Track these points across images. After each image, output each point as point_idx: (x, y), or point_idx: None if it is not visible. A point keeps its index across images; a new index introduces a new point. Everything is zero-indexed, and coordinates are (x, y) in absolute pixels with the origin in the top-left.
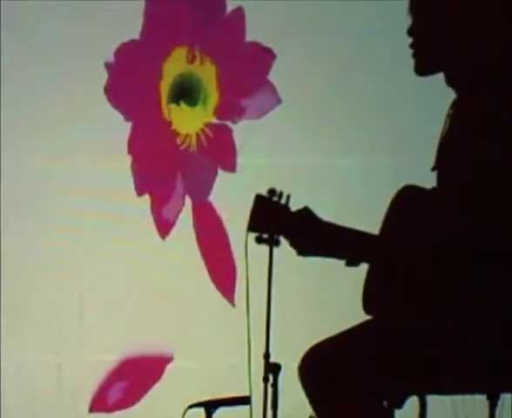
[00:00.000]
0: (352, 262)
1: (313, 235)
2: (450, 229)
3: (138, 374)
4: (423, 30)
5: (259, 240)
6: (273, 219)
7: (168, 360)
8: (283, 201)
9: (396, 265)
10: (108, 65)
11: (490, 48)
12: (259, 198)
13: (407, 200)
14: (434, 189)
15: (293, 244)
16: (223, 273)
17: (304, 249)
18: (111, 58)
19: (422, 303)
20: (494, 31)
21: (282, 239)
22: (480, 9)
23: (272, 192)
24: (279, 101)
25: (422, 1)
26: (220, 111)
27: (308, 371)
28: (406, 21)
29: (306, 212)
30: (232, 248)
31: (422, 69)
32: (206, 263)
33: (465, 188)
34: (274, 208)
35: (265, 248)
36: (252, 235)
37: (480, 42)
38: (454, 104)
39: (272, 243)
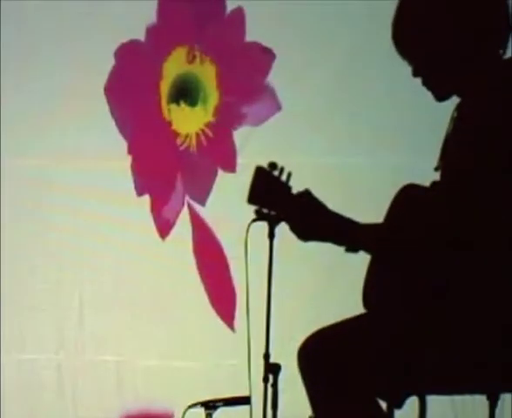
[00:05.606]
0: (351, 249)
1: (313, 222)
2: (448, 227)
3: None
4: (425, 70)
5: (258, 214)
6: (274, 196)
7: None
8: (284, 178)
9: (393, 256)
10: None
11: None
12: (259, 170)
13: (407, 198)
14: (433, 185)
15: (293, 229)
16: (223, 300)
17: (304, 235)
18: (111, 58)
19: (421, 301)
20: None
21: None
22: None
23: (272, 165)
24: (278, 107)
25: (408, 47)
26: (220, 119)
27: (307, 356)
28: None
29: (306, 197)
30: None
31: (442, 98)
32: (206, 289)
33: (465, 187)
34: (275, 185)
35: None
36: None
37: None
38: (459, 107)
39: (272, 220)
